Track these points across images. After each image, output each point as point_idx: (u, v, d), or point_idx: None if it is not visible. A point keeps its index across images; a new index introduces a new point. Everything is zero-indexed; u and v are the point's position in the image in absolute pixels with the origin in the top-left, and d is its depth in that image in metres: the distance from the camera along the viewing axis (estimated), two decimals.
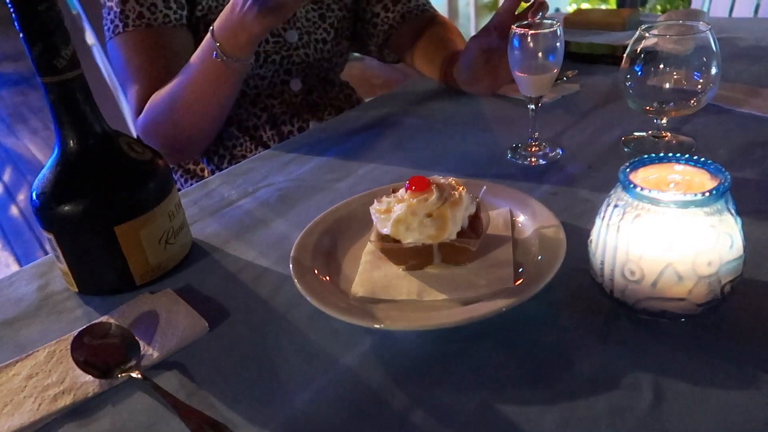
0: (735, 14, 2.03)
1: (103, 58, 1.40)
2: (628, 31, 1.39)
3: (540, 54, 0.76)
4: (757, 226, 0.60)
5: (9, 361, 0.55)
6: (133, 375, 0.52)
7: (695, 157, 0.50)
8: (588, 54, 1.20)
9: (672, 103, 0.78)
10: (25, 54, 0.56)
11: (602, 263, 0.51)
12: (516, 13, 0.93)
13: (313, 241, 0.64)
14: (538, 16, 0.86)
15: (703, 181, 0.49)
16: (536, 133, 0.84)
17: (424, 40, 1.17)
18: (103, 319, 0.60)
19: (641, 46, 0.77)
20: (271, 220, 0.76)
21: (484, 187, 0.64)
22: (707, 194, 0.45)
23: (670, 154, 0.51)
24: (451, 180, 0.60)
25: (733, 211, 0.47)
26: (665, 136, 0.83)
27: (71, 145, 0.60)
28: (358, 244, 0.65)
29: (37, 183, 0.61)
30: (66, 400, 0.50)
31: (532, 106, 0.82)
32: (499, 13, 0.94)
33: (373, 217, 0.59)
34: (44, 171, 0.61)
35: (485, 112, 1.03)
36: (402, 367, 0.50)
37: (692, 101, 0.76)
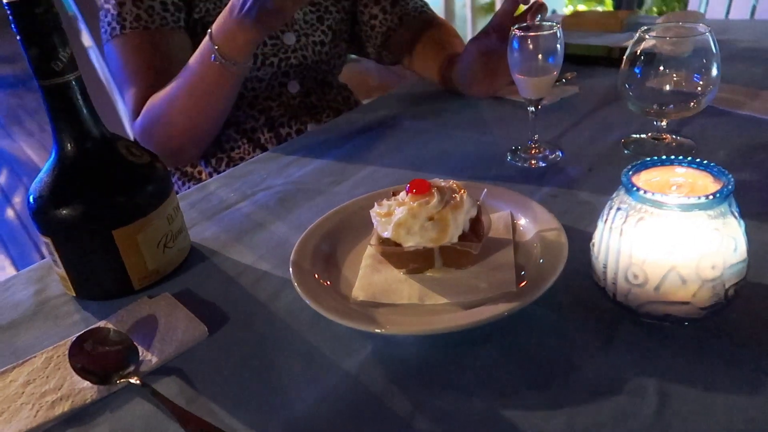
0: (731, 16, 2.03)
1: (99, 60, 1.39)
2: (625, 33, 1.40)
3: (540, 56, 0.76)
4: (760, 229, 0.59)
5: (6, 368, 0.55)
6: (132, 381, 0.51)
7: (698, 160, 0.50)
8: (584, 56, 1.20)
9: (672, 105, 0.77)
10: (20, 56, 0.56)
11: (605, 267, 0.50)
12: (515, 15, 0.92)
13: (312, 245, 0.63)
14: (537, 18, 0.86)
15: (706, 183, 0.49)
16: (536, 136, 0.84)
17: (423, 42, 1.17)
18: (101, 324, 0.59)
19: (641, 48, 0.76)
20: (270, 224, 0.75)
21: (485, 189, 0.64)
22: (711, 197, 0.45)
23: (672, 157, 0.51)
24: (452, 183, 0.60)
25: (736, 214, 0.47)
26: (665, 138, 0.83)
27: (69, 148, 0.60)
28: (359, 248, 0.65)
29: (35, 186, 0.61)
30: (64, 407, 0.50)
31: (532, 108, 0.81)
32: (498, 15, 0.94)
33: (374, 221, 0.58)
34: (41, 174, 0.61)
35: (484, 115, 1.03)
36: (404, 372, 0.50)
37: (692, 103, 0.76)
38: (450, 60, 1.10)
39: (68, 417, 0.50)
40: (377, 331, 0.51)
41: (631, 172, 0.50)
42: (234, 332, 0.57)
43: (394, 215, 0.56)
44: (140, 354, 0.54)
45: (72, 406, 0.50)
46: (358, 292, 0.57)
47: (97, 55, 1.39)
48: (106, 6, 1.00)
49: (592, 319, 0.53)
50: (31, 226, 2.67)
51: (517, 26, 0.77)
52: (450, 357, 0.51)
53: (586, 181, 0.76)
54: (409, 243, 0.56)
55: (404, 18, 1.19)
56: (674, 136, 0.84)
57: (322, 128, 1.07)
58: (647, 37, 0.76)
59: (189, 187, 1.13)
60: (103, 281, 0.63)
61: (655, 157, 0.51)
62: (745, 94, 0.95)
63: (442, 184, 0.59)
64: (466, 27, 4.07)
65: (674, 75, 0.76)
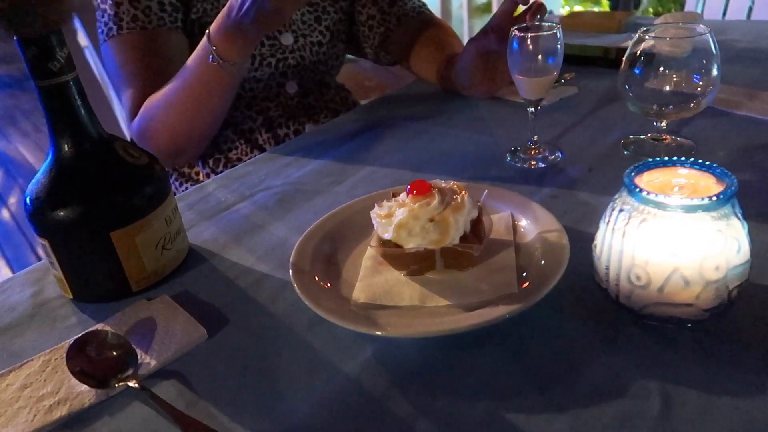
0: (728, 17, 2.04)
1: (96, 60, 1.39)
2: (623, 34, 1.40)
3: (540, 56, 0.76)
4: (761, 230, 0.59)
5: (2, 371, 0.54)
6: (131, 384, 0.51)
7: (700, 161, 0.50)
8: (581, 56, 1.19)
9: (671, 106, 0.77)
10: (16, 56, 0.55)
11: (607, 268, 0.50)
12: (514, 15, 0.92)
13: (312, 246, 0.63)
14: (536, 19, 0.86)
15: (709, 185, 0.49)
16: (535, 136, 0.84)
17: (421, 42, 1.17)
18: (99, 326, 0.59)
19: (641, 48, 0.76)
20: (269, 225, 0.75)
21: (486, 190, 0.64)
22: (715, 199, 0.44)
23: (675, 158, 0.51)
24: (453, 184, 0.59)
25: (739, 216, 0.47)
26: (665, 139, 0.83)
27: (66, 149, 0.59)
28: (359, 249, 0.64)
29: (31, 188, 0.60)
30: (62, 411, 0.49)
31: (532, 109, 0.81)
32: (497, 16, 0.94)
33: (374, 222, 0.58)
34: (38, 176, 0.60)
35: (483, 115, 1.02)
36: (405, 375, 0.50)
37: (692, 104, 0.76)
38: (449, 60, 1.09)
39: (66, 421, 0.49)
40: (378, 333, 0.51)
41: (633, 174, 0.50)
42: (233, 335, 0.57)
43: (394, 216, 0.56)
44: (139, 357, 0.54)
45: (70, 410, 0.49)
46: (359, 293, 0.57)
47: (94, 55, 1.38)
48: (103, 6, 1.00)
49: (595, 320, 0.52)
50: (27, 228, 2.66)
51: (516, 27, 0.77)
52: (451, 359, 0.50)
53: (586, 182, 0.76)
54: (410, 244, 0.55)
55: (402, 18, 1.18)
56: (674, 137, 0.84)
57: (320, 129, 1.07)
58: (647, 37, 0.76)
59: (186, 188, 1.13)
60: (100, 283, 0.62)
61: (657, 158, 0.51)
62: (744, 95, 0.95)
63: (443, 185, 0.59)
64: (463, 27, 4.07)
65: (674, 75, 0.76)
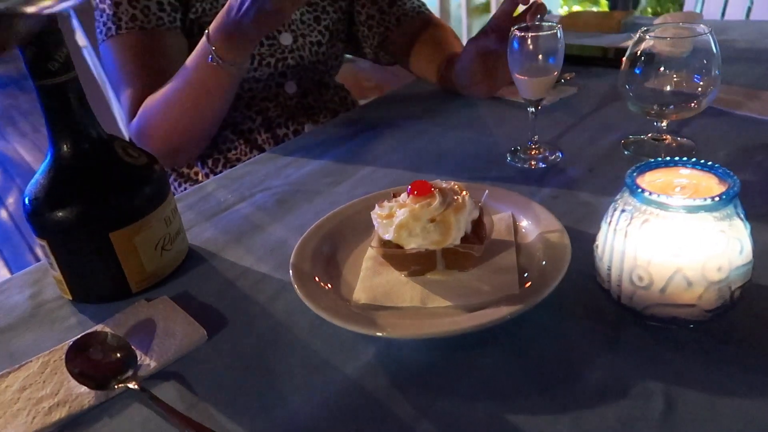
0: (727, 16, 2.04)
1: (94, 60, 1.38)
2: (623, 34, 1.40)
3: (540, 56, 0.75)
4: (762, 230, 0.59)
5: (1, 373, 0.54)
6: (130, 386, 0.50)
7: (702, 161, 0.50)
8: (579, 56, 1.19)
9: (672, 106, 0.77)
10: (14, 56, 0.55)
11: (609, 269, 0.50)
12: (514, 15, 0.92)
13: (312, 247, 0.63)
14: (537, 18, 0.85)
15: (710, 185, 0.49)
16: (536, 136, 0.84)
17: (421, 42, 1.17)
18: (98, 327, 0.58)
19: (641, 48, 0.76)
20: (269, 225, 0.75)
21: (486, 191, 0.64)
22: (717, 199, 0.44)
23: (676, 158, 0.51)
24: (454, 184, 0.59)
25: (742, 216, 0.47)
26: (665, 139, 0.82)
27: (65, 149, 0.59)
28: (359, 250, 0.64)
29: (30, 188, 0.60)
30: (61, 413, 0.49)
31: (532, 109, 0.81)
32: (497, 16, 0.94)
33: (375, 223, 0.58)
34: (37, 176, 0.60)
35: (483, 115, 1.02)
36: (407, 376, 0.49)
37: (692, 104, 0.76)
38: (448, 60, 1.09)
39: (65, 423, 0.49)
40: (379, 334, 0.50)
41: (635, 174, 0.49)
42: (233, 336, 0.56)
43: (395, 217, 0.56)
44: (138, 358, 0.53)
45: (69, 411, 0.49)
46: (360, 294, 0.57)
47: (92, 54, 1.37)
48: (102, 6, 0.99)
49: (596, 321, 0.52)
50: (25, 228, 2.65)
51: (517, 26, 0.77)
52: (453, 360, 0.50)
53: (586, 182, 0.76)
54: (411, 245, 0.55)
55: (402, 18, 1.18)
56: (674, 137, 0.83)
57: (320, 129, 1.07)
58: (647, 37, 0.76)
59: (185, 188, 1.13)
60: (100, 284, 0.62)
61: (659, 158, 0.51)
62: (744, 95, 0.95)
63: (444, 185, 0.59)
64: (461, 27, 4.07)
65: (674, 75, 0.76)
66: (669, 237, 0.46)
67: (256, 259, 0.67)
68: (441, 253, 0.56)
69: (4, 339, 0.59)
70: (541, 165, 0.82)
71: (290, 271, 0.58)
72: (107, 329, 0.57)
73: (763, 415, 0.42)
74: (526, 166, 0.82)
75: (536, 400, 0.46)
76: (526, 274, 0.57)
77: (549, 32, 0.75)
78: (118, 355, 0.53)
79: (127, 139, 1.08)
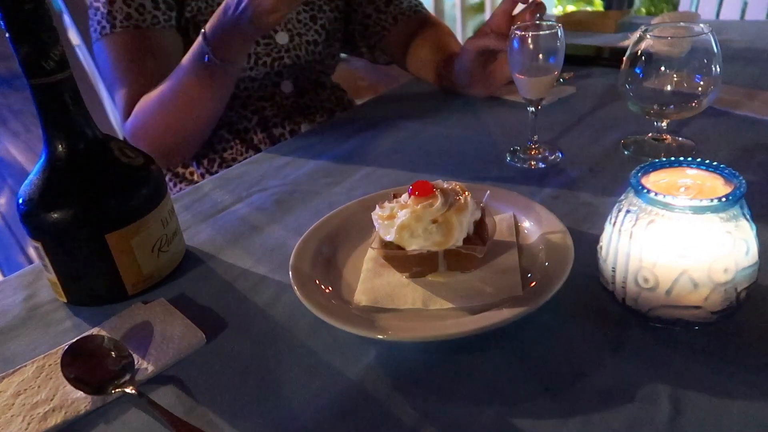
0: (722, 16, 2.04)
1: (87, 58, 1.37)
2: (619, 34, 1.39)
3: (541, 56, 0.75)
4: (764, 231, 0.59)
5: None
6: (128, 390, 0.49)
7: (707, 161, 0.49)
8: (575, 56, 1.19)
9: (672, 106, 0.77)
10: (5, 55, 0.54)
11: (614, 270, 0.50)
12: (513, 14, 0.91)
13: (312, 248, 0.62)
14: (536, 18, 0.85)
15: (715, 185, 0.48)
16: (535, 136, 0.83)
17: (418, 42, 1.16)
18: (94, 331, 0.57)
19: (641, 48, 0.76)
20: (267, 226, 0.74)
21: (488, 191, 0.63)
22: (724, 200, 0.44)
23: (681, 158, 0.50)
24: (455, 185, 0.59)
25: (748, 217, 0.46)
26: (665, 139, 0.82)
27: (60, 149, 0.58)
28: (359, 251, 0.63)
29: (24, 189, 0.59)
30: (56, 419, 0.48)
31: (532, 109, 0.81)
32: (496, 15, 0.93)
33: (376, 224, 0.57)
34: (31, 176, 0.59)
35: (482, 115, 1.02)
36: (409, 380, 0.49)
37: (693, 103, 0.76)
38: (446, 60, 1.08)
39: (61, 429, 0.48)
40: (380, 337, 0.50)
41: (640, 174, 0.49)
42: (232, 339, 0.55)
43: (396, 218, 0.55)
44: (136, 362, 0.52)
45: (65, 417, 0.48)
46: (360, 296, 0.56)
47: (86, 53, 1.36)
48: (96, 4, 0.98)
49: (600, 322, 0.52)
50: (17, 229, 2.63)
51: (517, 26, 0.76)
52: (455, 363, 0.50)
53: (587, 183, 0.76)
54: (413, 246, 0.54)
55: (399, 17, 1.18)
56: (674, 137, 0.83)
57: (317, 129, 1.06)
58: (648, 37, 0.75)
59: (180, 189, 1.11)
60: (95, 287, 0.61)
61: (664, 159, 0.51)
62: (743, 95, 0.94)
63: (445, 186, 0.58)
64: (456, 27, 4.06)
65: (675, 75, 0.75)
66: (675, 238, 0.45)
67: (254, 261, 0.66)
68: (443, 254, 0.55)
69: None
70: (541, 165, 0.81)
71: (290, 273, 0.58)
72: (103, 332, 0.56)
73: None
74: (525, 166, 0.82)
75: (542, 404, 0.45)
76: (529, 275, 0.56)
77: (550, 31, 0.74)
78: (115, 359, 0.52)
79: (121, 139, 1.07)
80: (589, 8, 4.02)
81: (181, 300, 0.61)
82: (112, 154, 0.61)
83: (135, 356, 0.53)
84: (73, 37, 1.35)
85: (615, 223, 0.49)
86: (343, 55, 1.30)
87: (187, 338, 0.55)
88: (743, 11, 2.00)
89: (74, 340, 0.54)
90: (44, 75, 0.54)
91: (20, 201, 0.58)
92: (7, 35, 0.53)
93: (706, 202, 0.44)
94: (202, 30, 0.87)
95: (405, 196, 0.57)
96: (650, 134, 0.83)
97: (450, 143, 0.92)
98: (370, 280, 0.58)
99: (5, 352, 0.57)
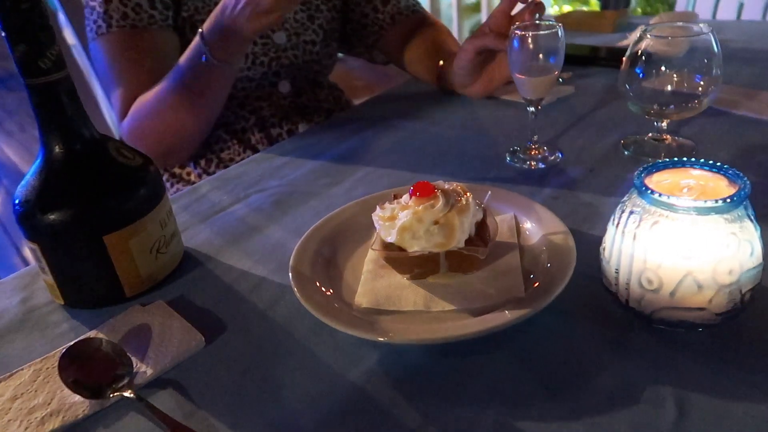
0: (718, 16, 2.04)
1: (83, 58, 1.36)
2: (616, 33, 1.39)
3: (541, 55, 0.74)
4: (766, 231, 0.58)
5: None
6: (126, 394, 0.49)
7: (711, 162, 0.49)
8: (574, 55, 1.19)
9: (672, 106, 0.76)
10: (0, 55, 0.53)
11: (617, 271, 0.49)
12: (511, 14, 0.91)
13: (312, 249, 0.61)
14: (535, 17, 0.84)
15: (717, 186, 0.48)
16: (535, 136, 0.83)
17: (416, 42, 1.15)
18: (92, 334, 0.57)
19: (641, 48, 0.75)
20: (266, 227, 0.73)
21: (489, 192, 0.62)
22: (729, 200, 0.44)
23: (684, 159, 0.50)
24: (456, 185, 0.58)
25: (752, 218, 0.46)
26: (665, 139, 0.82)
27: (57, 150, 0.57)
28: (359, 252, 0.63)
29: (20, 190, 0.58)
30: (54, 423, 0.47)
31: (532, 109, 0.80)
32: (495, 15, 0.93)
33: (376, 225, 0.56)
34: (28, 177, 0.58)
35: (480, 115, 1.01)
36: (412, 383, 0.48)
37: (694, 103, 0.75)
38: (445, 59, 1.08)
39: None
40: (382, 339, 0.49)
41: (643, 175, 0.49)
42: (232, 341, 0.55)
43: (398, 219, 0.54)
44: (134, 366, 0.52)
45: (63, 422, 0.47)
46: (361, 298, 0.55)
47: (81, 53, 1.35)
48: (92, 3, 0.97)
49: (603, 324, 0.51)
50: (12, 229, 2.61)
51: (517, 25, 0.76)
52: (458, 365, 0.49)
53: (587, 183, 0.75)
54: (414, 248, 0.54)
55: (396, 17, 1.17)
56: (674, 137, 0.83)
57: (315, 129, 1.05)
58: (648, 36, 0.75)
59: (177, 189, 1.11)
60: (93, 289, 0.60)
61: (667, 159, 0.50)
62: (742, 95, 0.94)
63: (446, 186, 0.57)
64: (452, 27, 4.06)
65: (675, 75, 0.75)
66: (679, 239, 0.45)
67: (253, 262, 0.66)
68: (444, 255, 0.55)
69: None
70: (541, 165, 0.81)
71: (290, 275, 0.57)
72: (101, 335, 0.56)
73: None
74: (525, 166, 0.81)
75: (545, 407, 0.45)
76: (531, 276, 0.56)
77: (550, 31, 0.74)
78: (113, 362, 0.51)
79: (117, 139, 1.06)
80: (585, 8, 4.02)
81: (180, 302, 0.60)
82: (109, 155, 0.60)
83: (133, 359, 0.52)
84: (69, 36, 1.34)
85: (618, 224, 0.49)
86: (339, 54, 1.29)
87: (186, 341, 0.54)
88: (739, 11, 2.00)
89: (72, 343, 0.53)
90: (41, 75, 0.54)
91: (17, 202, 0.58)
92: (3, 35, 0.52)
93: (711, 203, 0.44)
94: (200, 30, 0.87)
95: (406, 196, 0.57)
96: (650, 134, 0.83)
97: (449, 143, 0.91)
98: (371, 281, 0.57)
99: (1, 356, 0.56)
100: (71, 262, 0.59)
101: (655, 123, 0.81)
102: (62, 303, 0.62)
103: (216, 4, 0.87)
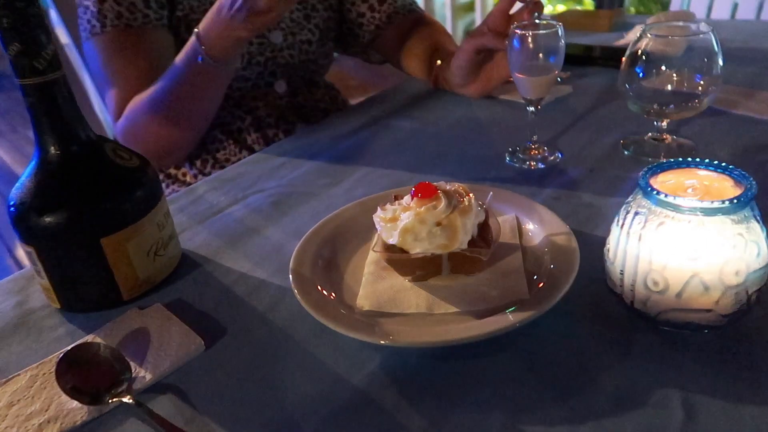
0: (712, 16, 2.05)
1: (77, 58, 1.34)
2: (613, 33, 1.39)
3: (541, 55, 0.74)
4: None
5: None
6: (125, 400, 0.48)
7: (716, 162, 0.48)
8: (573, 55, 1.18)
9: (672, 105, 0.76)
10: None
11: (622, 273, 0.49)
12: (510, 13, 0.91)
13: (312, 251, 0.61)
14: (534, 16, 0.84)
15: (722, 187, 0.47)
16: (535, 136, 0.82)
17: (413, 41, 1.15)
18: (89, 338, 0.56)
19: (641, 47, 0.75)
20: (265, 228, 0.72)
21: (491, 192, 0.62)
22: (735, 201, 0.43)
23: (689, 159, 0.50)
24: (458, 186, 0.58)
25: (758, 218, 0.46)
26: (665, 139, 0.82)
27: (52, 151, 0.56)
28: (360, 254, 0.62)
29: (15, 192, 0.57)
30: (52, 430, 0.46)
31: (532, 109, 0.80)
32: (493, 14, 0.92)
33: (378, 226, 0.56)
34: (22, 179, 0.57)
35: (479, 115, 1.01)
36: (415, 386, 0.47)
37: (694, 102, 0.75)
38: (442, 58, 1.07)
39: None
40: (384, 342, 0.49)
41: (648, 175, 0.48)
42: (232, 345, 0.54)
43: (399, 221, 0.54)
44: (133, 370, 0.51)
45: (61, 428, 0.46)
46: (363, 301, 0.55)
47: (75, 52, 1.33)
48: (86, 3, 0.96)
49: (608, 326, 0.51)
50: (6, 232, 2.59)
51: (517, 25, 0.75)
52: (462, 368, 0.48)
53: (588, 183, 0.75)
54: (417, 250, 0.53)
55: (393, 16, 1.16)
56: (674, 137, 0.83)
57: (313, 129, 1.04)
58: (648, 36, 0.75)
59: (173, 190, 1.10)
60: (90, 292, 0.59)
61: (672, 159, 0.50)
62: (741, 94, 0.94)
63: (448, 187, 0.57)
64: (446, 26, 4.05)
65: (675, 75, 0.75)
66: (685, 240, 0.45)
67: (252, 264, 0.65)
68: (447, 257, 0.54)
69: None
70: (541, 165, 0.80)
71: (290, 277, 0.56)
72: (99, 340, 0.55)
73: None
74: (525, 166, 0.81)
75: (551, 410, 0.44)
76: (535, 277, 0.55)
77: (550, 30, 0.73)
78: (112, 367, 0.50)
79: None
80: (579, 7, 4.03)
81: (178, 305, 0.60)
82: (106, 156, 0.59)
83: (132, 364, 0.51)
84: (62, 36, 1.33)
85: (623, 225, 0.49)
86: (335, 54, 1.29)
87: (185, 345, 0.53)
88: (733, 11, 2.00)
89: (69, 348, 0.52)
90: (36, 75, 0.53)
91: (11, 204, 0.57)
92: None
93: (717, 204, 0.43)
94: (195, 30, 0.86)
95: (407, 197, 0.56)
96: (650, 134, 0.83)
97: (448, 143, 0.91)
98: (372, 283, 0.57)
99: None
100: (68, 265, 0.58)
101: (655, 123, 0.80)
102: (58, 306, 0.61)
103: (211, 3, 0.86)
